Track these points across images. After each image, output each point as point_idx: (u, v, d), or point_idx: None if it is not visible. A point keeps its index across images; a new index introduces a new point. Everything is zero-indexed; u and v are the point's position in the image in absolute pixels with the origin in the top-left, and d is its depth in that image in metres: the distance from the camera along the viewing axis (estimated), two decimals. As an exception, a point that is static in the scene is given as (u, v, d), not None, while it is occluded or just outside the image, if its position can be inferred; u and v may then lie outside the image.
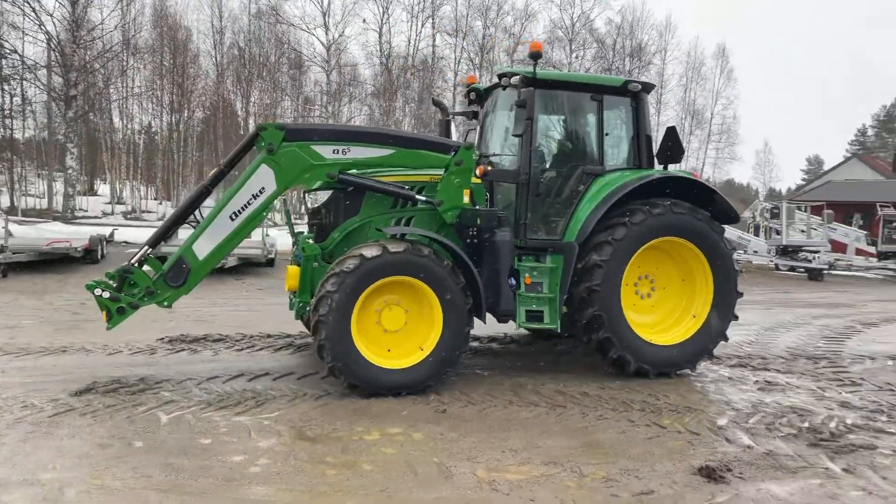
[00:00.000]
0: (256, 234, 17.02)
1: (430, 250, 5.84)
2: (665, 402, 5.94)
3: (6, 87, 28.61)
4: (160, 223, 22.28)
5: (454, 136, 7.45)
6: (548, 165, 7.11)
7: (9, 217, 15.13)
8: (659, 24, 40.02)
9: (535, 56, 6.37)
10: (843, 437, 5.17)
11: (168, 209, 31.12)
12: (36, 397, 5.43)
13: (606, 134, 6.90)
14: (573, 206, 6.69)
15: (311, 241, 6.34)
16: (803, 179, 69.47)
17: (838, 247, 23.77)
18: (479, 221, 6.20)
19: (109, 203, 32.71)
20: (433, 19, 35.49)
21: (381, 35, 34.49)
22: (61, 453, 4.36)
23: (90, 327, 8.49)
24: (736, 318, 7.02)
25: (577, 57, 35.85)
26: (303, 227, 7.49)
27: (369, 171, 6.25)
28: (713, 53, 42.83)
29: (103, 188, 37.98)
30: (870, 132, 71.52)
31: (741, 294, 7.05)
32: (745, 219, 25.65)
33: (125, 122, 35.15)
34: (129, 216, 29.65)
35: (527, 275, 6.47)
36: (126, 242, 17.64)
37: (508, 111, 7.28)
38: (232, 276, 13.63)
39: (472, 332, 6.15)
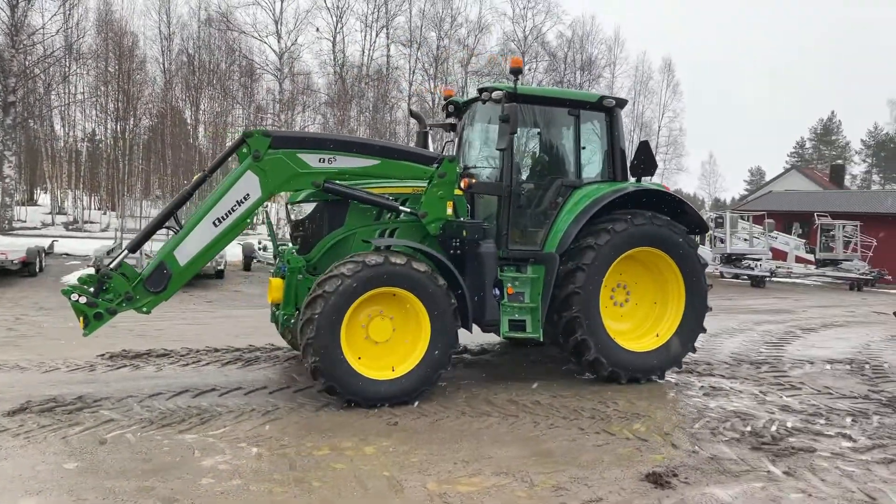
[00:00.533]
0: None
1: (429, 267, 5.90)
2: (614, 410, 6.04)
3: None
4: (103, 234, 21.51)
5: (431, 148, 7.52)
6: (528, 178, 7.31)
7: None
8: (608, 39, 41.23)
9: (516, 72, 6.50)
10: (783, 440, 5.34)
11: (112, 219, 30.07)
12: (-37, 419, 5.13)
13: (583, 148, 7.11)
14: (552, 217, 6.89)
15: (294, 253, 6.29)
16: (746, 190, 72.28)
17: (779, 255, 24.80)
18: (464, 233, 6.26)
19: (50, 213, 31.38)
20: (387, 29, 35.58)
21: (334, 44, 34.35)
22: (-11, 478, 4.12)
23: (26, 343, 8.10)
24: (704, 330, 7.33)
25: (529, 69, 36.43)
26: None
27: (357, 182, 6.26)
28: (659, 67, 44.25)
29: (44, 198, 36.45)
30: (808, 145, 74.99)
31: (710, 308, 7.35)
32: (692, 228, 26.33)
33: (67, 129, 33.92)
34: (70, 227, 28.53)
35: (509, 285, 6.58)
36: (67, 254, 16.98)
37: (487, 124, 7.48)
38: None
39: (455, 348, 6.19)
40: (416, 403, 5.91)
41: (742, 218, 24.17)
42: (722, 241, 22.70)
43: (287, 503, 3.97)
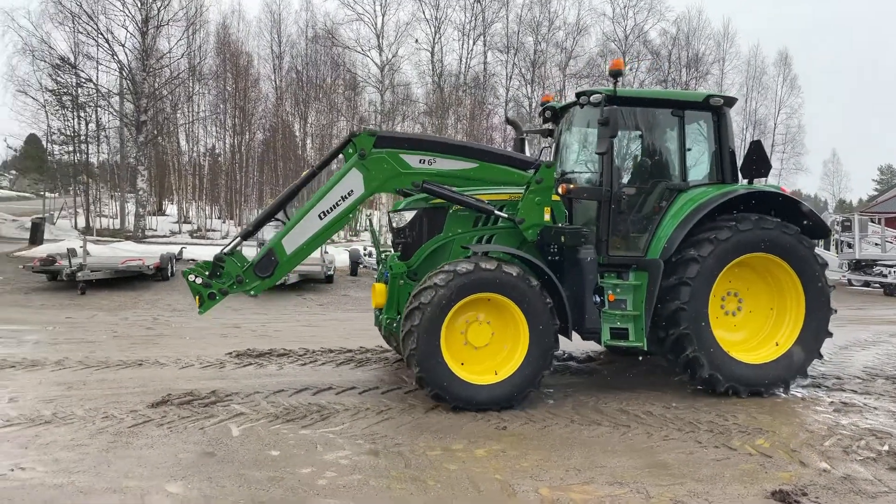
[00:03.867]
0: (316, 252, 17.53)
1: (520, 269, 5.93)
2: (734, 423, 5.76)
3: (82, 115, 30.41)
4: (223, 241, 23.12)
5: (528, 154, 7.51)
6: (629, 182, 7.12)
7: (86, 237, 16.02)
8: (716, 34, 38.99)
9: (616, 74, 6.40)
10: (929, 462, 4.88)
11: (231, 228, 32.28)
12: (115, 408, 5.73)
13: (688, 149, 6.86)
14: (656, 222, 6.68)
15: (397, 259, 6.56)
16: (875, 190, 66.21)
17: (916, 261, 22.48)
18: (563, 239, 6.23)
19: (177, 222, 34.17)
20: (484, 37, 35.83)
21: (433, 54, 35.07)
22: (141, 463, 4.58)
23: (163, 342, 8.90)
24: (830, 334, 6.82)
25: (631, 69, 35.43)
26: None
27: (461, 189, 6.41)
28: (774, 61, 41.44)
29: (171, 208, 39.75)
30: (948, 138, 67.56)
31: (835, 311, 6.85)
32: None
33: (191, 144, 36.90)
34: (195, 235, 30.91)
35: (610, 292, 6.46)
36: (193, 260, 18.40)
37: (586, 128, 7.38)
38: (293, 292, 14.00)
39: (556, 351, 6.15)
40: (524, 409, 5.92)
41: (872, 220, 22.21)
42: (850, 245, 20.95)
43: (405, 500, 4.12)
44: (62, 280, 13.09)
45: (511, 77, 35.75)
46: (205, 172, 37.65)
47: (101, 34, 27.18)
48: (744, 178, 6.98)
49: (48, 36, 27.09)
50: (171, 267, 15.65)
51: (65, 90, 28.90)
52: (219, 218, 37.34)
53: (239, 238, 6.36)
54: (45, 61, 27.35)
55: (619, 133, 6.69)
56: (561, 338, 6.23)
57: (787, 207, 6.82)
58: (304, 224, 6.12)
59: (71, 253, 13.64)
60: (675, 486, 4.42)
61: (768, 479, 4.55)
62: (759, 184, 7.07)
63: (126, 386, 6.51)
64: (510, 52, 35.53)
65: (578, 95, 6.92)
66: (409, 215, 6.74)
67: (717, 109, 6.90)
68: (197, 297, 6.09)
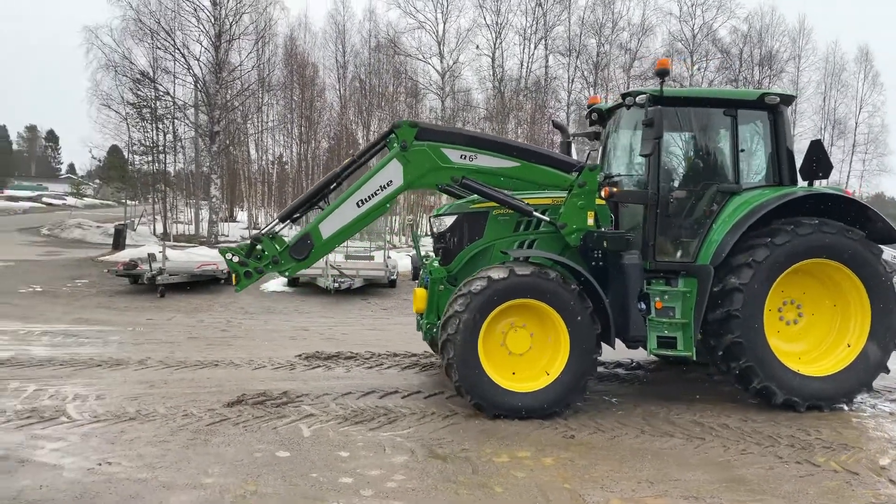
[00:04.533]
0: (379, 257, 17.79)
1: (557, 273, 5.81)
2: (817, 438, 5.47)
3: (160, 126, 31.99)
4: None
5: (575, 158, 7.32)
6: (678, 185, 6.82)
7: (165, 243, 16.83)
8: (791, 30, 37.22)
9: (662, 74, 6.19)
10: None
11: (296, 232, 33.19)
12: (194, 407, 5.98)
13: (742, 150, 6.55)
14: (706, 226, 6.39)
15: (437, 264, 6.53)
16: (968, 191, 61.55)
17: None
18: (605, 244, 6.07)
19: (247, 228, 35.43)
20: (546, 40, 35.54)
21: (493, 59, 35.04)
22: (218, 460, 4.77)
23: (237, 343, 9.23)
24: None
25: (699, 69, 34.34)
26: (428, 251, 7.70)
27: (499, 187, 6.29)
28: (855, 57, 39.10)
29: (241, 215, 41.27)
30: None
31: None
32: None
33: (260, 153, 38.19)
34: (263, 240, 31.86)
35: (657, 299, 6.23)
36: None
37: (633, 130, 7.12)
38: (358, 296, 14.26)
39: (598, 357, 5.99)
40: (593, 418, 5.80)
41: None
42: (940, 251, 19.55)
43: (474, 506, 4.11)
44: (143, 283, 13.78)
45: (573, 80, 35.32)
46: (273, 180, 38.91)
47: (178, 49, 28.53)
48: (803, 179, 6.58)
49: (129, 52, 28.64)
50: (243, 271, 16.18)
51: (144, 103, 30.51)
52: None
53: (276, 221, 6.53)
54: (126, 76, 28.97)
55: (667, 134, 6.49)
56: (607, 345, 6.08)
57: (852, 211, 6.39)
58: (342, 211, 6.17)
59: (151, 258, 14.35)
60: (755, 502, 4.25)
61: (855, 498, 4.32)
62: (820, 186, 6.65)
63: (203, 385, 6.78)
64: (572, 55, 35.10)
65: (624, 96, 6.72)
66: (449, 220, 6.67)
67: (773, 108, 6.52)
68: (234, 276, 6.27)
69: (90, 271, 16.78)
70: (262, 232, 6.35)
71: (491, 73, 35.20)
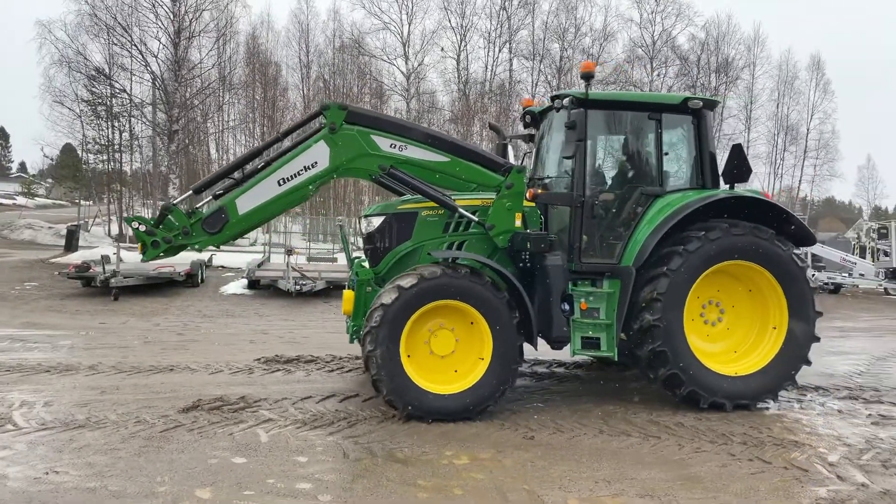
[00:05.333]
0: (342, 259, 17.65)
1: (477, 273, 5.82)
2: (768, 436, 5.62)
3: (116, 124, 31.13)
4: (252, 248, 23.25)
5: (511, 160, 7.24)
6: (604, 187, 6.86)
7: (119, 244, 16.38)
8: (747, 38, 38.37)
9: (587, 77, 6.21)
10: (976, 479, 4.70)
11: (260, 235, 32.67)
12: (147, 413, 5.82)
13: (666, 154, 6.64)
14: (631, 228, 6.47)
15: (365, 265, 6.50)
16: (912, 196, 64.28)
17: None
18: (528, 245, 6.11)
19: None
20: (510, 44, 35.84)
21: (458, 62, 35.16)
22: (171, 467, 4.64)
23: (194, 347, 9.03)
24: (817, 339, 6.50)
25: (658, 75, 35.11)
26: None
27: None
28: (807, 66, 40.60)
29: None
30: None
31: (820, 314, 6.56)
32: (850, 239, 24.02)
33: (221, 153, 37.45)
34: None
35: (582, 300, 6.26)
36: (223, 267, 18.69)
37: (563, 133, 7.19)
38: (320, 299, 14.11)
39: (539, 356, 6.01)
40: (553, 419, 5.85)
41: (909, 227, 21.57)
42: (886, 254, 20.40)
43: (433, 509, 4.10)
44: (96, 286, 13.39)
45: (537, 84, 35.66)
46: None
47: (135, 46, 27.82)
48: (725, 182, 6.68)
49: (84, 48, 27.81)
50: (202, 274, 15.89)
51: (99, 101, 29.65)
52: (247, 225, 37.86)
53: (190, 192, 6.40)
54: (80, 72, 28.11)
55: (597, 137, 6.56)
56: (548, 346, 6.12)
57: (771, 213, 6.52)
58: (262, 187, 5.98)
59: (104, 260, 13.96)
60: (709, 499, 4.33)
61: (805, 495, 4.44)
62: (742, 189, 6.75)
63: (158, 391, 6.61)
64: (536, 59, 35.48)
65: (553, 99, 6.74)
66: (377, 221, 6.57)
67: (696, 112, 6.61)
68: (140, 245, 6.08)
69: (40, 273, 16.22)
70: (174, 202, 6.15)
71: (456, 75, 35.31)
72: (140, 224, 6.04)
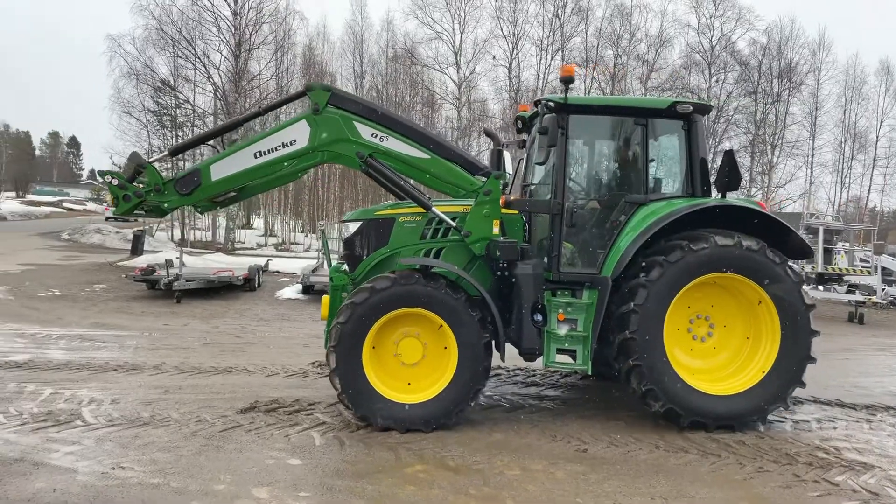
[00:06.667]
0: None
1: (445, 281, 5.73)
2: (836, 457, 5.37)
3: (180, 134, 32.39)
4: (306, 254, 23.70)
5: (509, 167, 7.05)
6: (584, 194, 6.62)
7: (182, 249, 17.00)
8: (811, 42, 36.87)
9: (567, 81, 5.95)
10: None
11: (313, 241, 33.37)
12: (207, 413, 6.01)
13: (652, 160, 6.33)
14: (614, 237, 6.17)
15: (342, 271, 6.49)
16: None
17: None
18: (498, 253, 5.99)
19: (263, 235, 35.69)
20: (563, 51, 35.55)
21: (510, 70, 35.12)
22: (230, 466, 4.77)
23: (251, 350, 9.26)
24: (812, 360, 5.99)
25: (717, 81, 34.15)
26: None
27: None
28: (875, 71, 38.70)
29: (258, 222, 41.57)
30: None
31: (817, 332, 6.01)
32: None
33: (277, 160, 38.45)
34: (279, 248, 32.18)
35: (560, 311, 6.03)
36: (278, 272, 19.16)
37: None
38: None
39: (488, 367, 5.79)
40: (606, 433, 5.74)
41: None
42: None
43: (484, 519, 4.08)
44: (160, 289, 13.93)
45: (590, 91, 35.23)
46: (289, 188, 39.19)
47: (198, 58, 28.94)
48: (718, 191, 6.34)
49: (151, 60, 29.11)
50: (259, 278, 16.32)
51: (165, 111, 30.95)
52: (302, 231, 38.71)
53: (165, 153, 6.54)
54: (147, 84, 29.45)
55: (578, 143, 6.36)
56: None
57: (766, 222, 6.13)
58: (238, 157, 6.01)
59: (168, 264, 14.51)
60: (772, 521, 4.16)
61: (877, 521, 4.21)
62: (735, 198, 6.42)
63: (217, 391, 6.81)
64: (589, 66, 35.08)
65: (536, 104, 6.51)
66: (354, 226, 6.52)
67: (687, 117, 6.24)
68: (112, 199, 6.16)
69: (108, 276, 17.01)
70: (150, 160, 6.24)
71: (507, 83, 35.27)
72: (114, 178, 6.13)
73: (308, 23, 47.39)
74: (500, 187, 6.18)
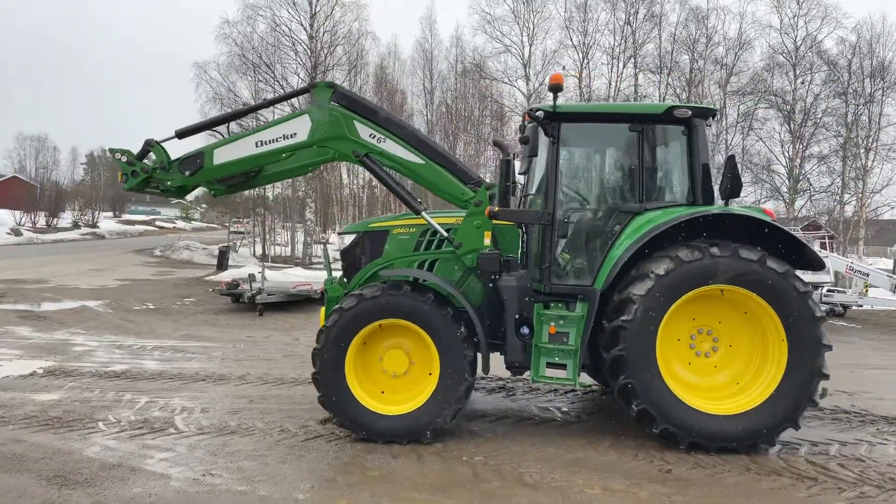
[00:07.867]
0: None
1: (433, 295, 5.70)
2: (951, 485, 4.92)
3: (261, 154, 33.94)
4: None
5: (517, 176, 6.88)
6: (577, 204, 6.34)
7: (264, 264, 17.71)
8: (907, 38, 34.52)
9: (555, 89, 5.70)
10: None
11: (385, 255, 34.00)
12: (290, 423, 6.20)
13: (648, 168, 5.95)
14: (607, 248, 5.86)
15: (336, 282, 6.59)
16: None
17: None
18: (482, 265, 5.90)
19: (338, 250, 36.71)
20: (635, 58, 34.83)
21: (580, 80, 34.69)
22: (312, 476, 4.91)
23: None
24: (825, 376, 5.48)
25: (802, 82, 32.45)
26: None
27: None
28: (984, 64, 35.70)
29: (333, 237, 42.86)
30: None
31: (829, 347, 5.51)
32: None
33: (351, 178, 39.60)
34: (353, 262, 32.90)
35: (552, 324, 5.78)
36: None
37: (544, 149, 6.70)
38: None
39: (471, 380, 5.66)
40: (691, 453, 5.50)
41: None
42: None
43: (565, 538, 3.99)
44: (244, 302, 14.55)
45: (665, 97, 34.28)
46: (363, 203, 40.21)
47: (277, 81, 30.27)
48: (721, 199, 5.94)
49: (234, 85, 30.69)
50: (334, 292, 16.73)
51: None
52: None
53: (173, 136, 6.66)
54: (231, 108, 31.04)
55: (569, 151, 6.21)
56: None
57: (773, 232, 5.65)
58: (241, 144, 6.27)
59: (251, 278, 15.15)
60: (879, 553, 3.85)
61: None
62: (738, 206, 5.96)
63: (299, 402, 7.02)
64: (663, 72, 34.17)
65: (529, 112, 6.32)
66: (350, 239, 6.62)
67: (686, 122, 5.88)
68: (121, 175, 6.42)
69: (197, 290, 17.92)
70: (158, 140, 6.47)
71: (578, 93, 34.84)
72: (122, 154, 6.44)
73: (380, 42, 48.53)
74: (488, 198, 6.15)
